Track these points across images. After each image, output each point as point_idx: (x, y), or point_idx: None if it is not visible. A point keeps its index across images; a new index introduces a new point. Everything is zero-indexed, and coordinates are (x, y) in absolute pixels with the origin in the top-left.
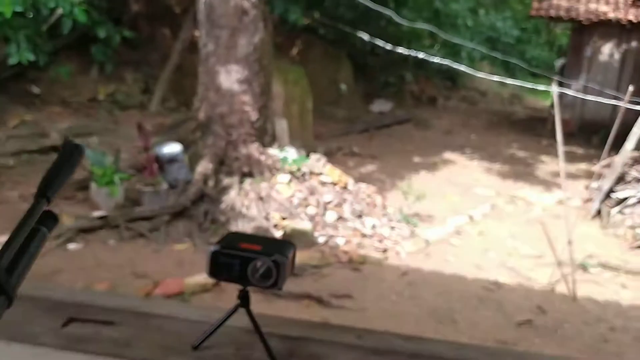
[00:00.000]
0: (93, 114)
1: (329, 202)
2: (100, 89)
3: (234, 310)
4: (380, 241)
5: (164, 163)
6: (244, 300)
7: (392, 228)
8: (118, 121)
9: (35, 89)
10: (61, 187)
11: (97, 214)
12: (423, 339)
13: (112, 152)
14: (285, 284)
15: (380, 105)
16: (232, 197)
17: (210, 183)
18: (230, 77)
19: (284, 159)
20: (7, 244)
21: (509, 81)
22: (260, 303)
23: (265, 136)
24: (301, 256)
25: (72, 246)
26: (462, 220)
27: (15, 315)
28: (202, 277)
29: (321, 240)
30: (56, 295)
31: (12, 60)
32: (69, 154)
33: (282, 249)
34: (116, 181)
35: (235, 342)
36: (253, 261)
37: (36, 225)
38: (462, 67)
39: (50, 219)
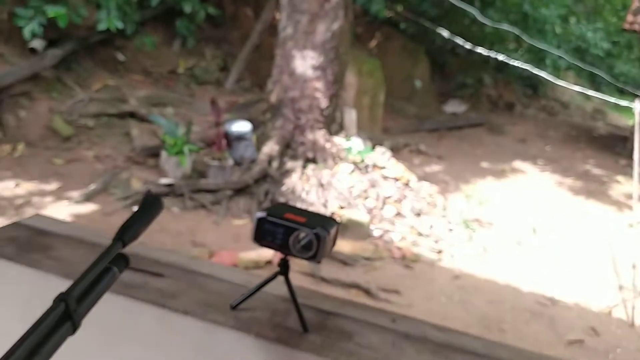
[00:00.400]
0: (171, 86)
1: (388, 197)
2: (181, 62)
3: (273, 277)
4: (436, 242)
5: (232, 140)
6: (283, 268)
7: (450, 230)
8: (194, 95)
9: (121, 56)
10: (138, 235)
11: (164, 181)
12: (456, 331)
13: (185, 123)
14: (324, 258)
15: (454, 106)
16: (294, 180)
17: (274, 164)
18: (305, 63)
19: (349, 149)
20: (82, 277)
21: (593, 94)
22: (309, 285)
23: (332, 124)
24: (354, 247)
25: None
26: (524, 231)
27: (75, 257)
28: (255, 254)
29: (376, 233)
30: None
31: (101, 26)
32: (149, 205)
33: (325, 223)
34: (185, 152)
35: (271, 307)
36: (296, 231)
37: (109, 265)
38: (545, 75)
39: (123, 261)
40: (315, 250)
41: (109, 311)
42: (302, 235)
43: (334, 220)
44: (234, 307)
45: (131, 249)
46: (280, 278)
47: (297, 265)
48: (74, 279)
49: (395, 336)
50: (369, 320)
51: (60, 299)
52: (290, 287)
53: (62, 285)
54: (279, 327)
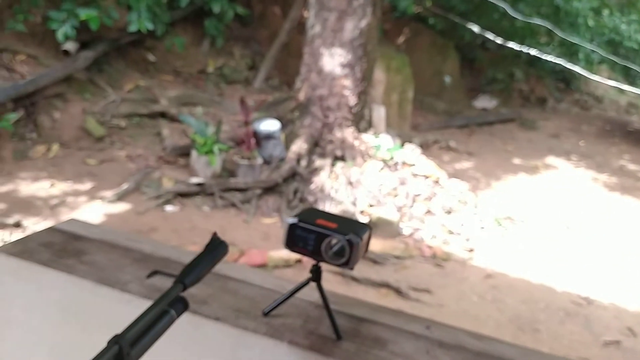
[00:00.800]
0: (200, 85)
1: (418, 195)
2: (210, 62)
3: (305, 283)
4: (467, 240)
5: (261, 139)
6: (315, 274)
7: (482, 228)
8: (223, 94)
9: (151, 57)
10: (200, 278)
11: (194, 180)
12: (493, 339)
13: (215, 123)
14: (356, 264)
15: (484, 102)
16: (323, 178)
17: (303, 163)
18: (334, 61)
19: (378, 146)
20: (138, 319)
21: (628, 88)
22: (338, 285)
23: (361, 121)
24: (384, 245)
25: (169, 208)
26: (557, 228)
27: (108, 262)
28: (285, 252)
29: (406, 232)
30: (146, 249)
31: (132, 28)
32: (213, 248)
33: (357, 229)
34: (215, 151)
35: (303, 314)
36: (328, 238)
37: (167, 307)
38: (578, 69)
39: (181, 304)
40: (348, 257)
41: None
42: (334, 241)
43: (366, 225)
44: (266, 314)
45: (162, 252)
46: (312, 283)
47: (324, 265)
48: (107, 285)
49: (430, 344)
50: (402, 327)
51: (115, 341)
52: (323, 293)
53: (95, 290)
54: (312, 334)
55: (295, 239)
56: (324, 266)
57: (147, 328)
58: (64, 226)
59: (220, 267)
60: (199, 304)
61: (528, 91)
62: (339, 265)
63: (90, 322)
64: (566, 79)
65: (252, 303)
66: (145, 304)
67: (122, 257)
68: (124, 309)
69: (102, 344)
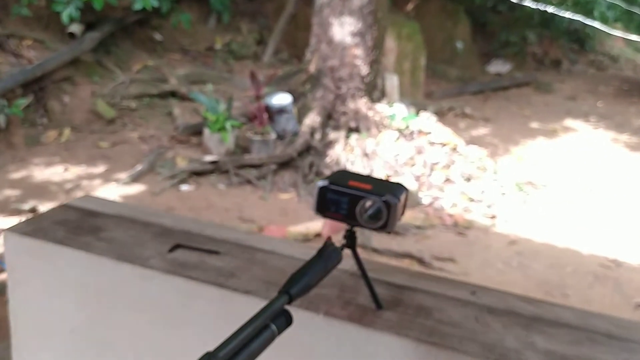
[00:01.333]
0: (209, 63)
1: (436, 163)
2: (217, 39)
3: (339, 250)
4: (488, 207)
5: (273, 113)
6: (350, 240)
7: (503, 194)
8: (232, 70)
9: (158, 36)
10: (309, 289)
11: (208, 158)
12: (546, 302)
13: (225, 99)
14: (394, 227)
15: (498, 66)
16: (338, 151)
17: (317, 136)
18: (343, 30)
19: (392, 116)
20: (235, 335)
21: None
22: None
23: (374, 91)
24: (405, 216)
25: (184, 187)
26: (580, 191)
27: (127, 237)
28: (304, 227)
29: (426, 201)
30: (166, 222)
31: (137, 6)
32: (326, 256)
33: (393, 189)
34: (227, 128)
35: (338, 283)
36: (362, 200)
37: (268, 322)
38: (597, 24)
39: (284, 318)
40: (385, 220)
41: (165, 293)
42: (369, 203)
43: (402, 186)
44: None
45: (183, 226)
46: (347, 251)
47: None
48: (127, 261)
49: (478, 310)
50: (446, 293)
51: (206, 359)
52: (359, 260)
53: (115, 268)
54: (350, 304)
55: (326, 203)
56: (342, 239)
57: (244, 345)
58: (78, 202)
59: (246, 238)
60: (226, 276)
61: (542, 54)
62: (375, 229)
63: (113, 300)
64: (580, 40)
65: (282, 274)
66: (168, 278)
67: (141, 232)
68: (147, 286)
69: (126, 323)
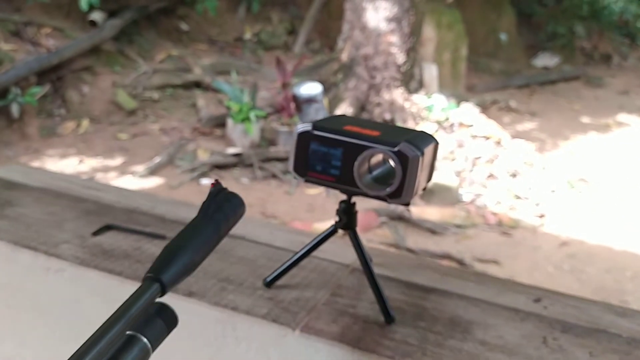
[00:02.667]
0: (237, 53)
1: (479, 157)
2: (246, 28)
3: (329, 233)
4: (537, 205)
5: (301, 103)
6: (346, 216)
7: (552, 192)
8: (261, 61)
9: (184, 26)
10: (193, 267)
11: (231, 151)
12: None
13: (250, 89)
14: (414, 198)
15: (545, 60)
16: None
17: None
18: (378, 15)
19: (431, 107)
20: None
21: None
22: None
23: (411, 81)
24: (443, 214)
25: (205, 181)
26: (637, 190)
27: (41, 215)
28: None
29: (467, 198)
30: (105, 197)
31: None
32: (216, 208)
33: (414, 138)
34: (252, 118)
35: (329, 283)
36: (364, 151)
37: (133, 331)
38: None
39: (160, 320)
40: (400, 182)
41: (74, 293)
42: (374, 157)
43: (428, 135)
44: (268, 284)
45: (128, 202)
46: (341, 233)
47: (376, 234)
48: (27, 247)
49: (547, 326)
50: (495, 300)
51: None
52: (361, 247)
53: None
54: (344, 315)
55: (309, 158)
56: (368, 236)
57: None
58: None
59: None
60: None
61: (591, 48)
62: (383, 198)
63: (1, 296)
64: (631, 34)
65: (247, 269)
66: (81, 273)
67: (66, 209)
68: (50, 282)
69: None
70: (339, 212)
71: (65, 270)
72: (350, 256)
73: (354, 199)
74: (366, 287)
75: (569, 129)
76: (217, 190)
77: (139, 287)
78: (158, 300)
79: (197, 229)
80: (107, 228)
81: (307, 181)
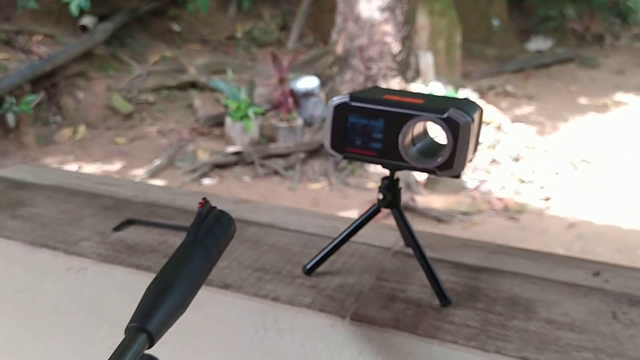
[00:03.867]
0: (231, 52)
1: (480, 143)
2: (238, 27)
3: (372, 213)
4: (541, 188)
5: (299, 98)
6: (391, 193)
7: (556, 174)
8: (255, 59)
9: (176, 27)
10: (182, 308)
11: (231, 149)
12: None
13: (247, 86)
14: (465, 167)
15: (538, 43)
16: None
17: None
18: (371, 5)
19: None
20: None
21: None
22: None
23: (407, 70)
24: (448, 201)
25: (206, 181)
26: None
27: (57, 214)
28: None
29: (471, 184)
30: (121, 192)
31: None
32: (206, 233)
33: (460, 104)
34: (250, 115)
35: (375, 268)
36: (410, 120)
37: None
38: None
39: None
40: (451, 152)
41: (99, 291)
42: (420, 126)
43: (472, 102)
44: (308, 271)
45: (146, 195)
46: (384, 213)
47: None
48: (46, 246)
49: (613, 301)
50: (550, 276)
51: None
52: (409, 227)
53: (26, 256)
54: (395, 300)
55: (347, 132)
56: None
57: None
58: (8, 173)
59: (234, 208)
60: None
61: (583, 29)
62: (432, 171)
63: (20, 301)
64: (622, 14)
65: (285, 258)
66: (105, 271)
67: (81, 206)
68: (73, 281)
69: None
70: (381, 189)
71: (88, 269)
72: (389, 239)
73: (399, 174)
74: (413, 269)
75: (567, 110)
76: (207, 211)
77: (122, 341)
78: (146, 352)
79: (186, 258)
80: (129, 223)
81: (345, 157)
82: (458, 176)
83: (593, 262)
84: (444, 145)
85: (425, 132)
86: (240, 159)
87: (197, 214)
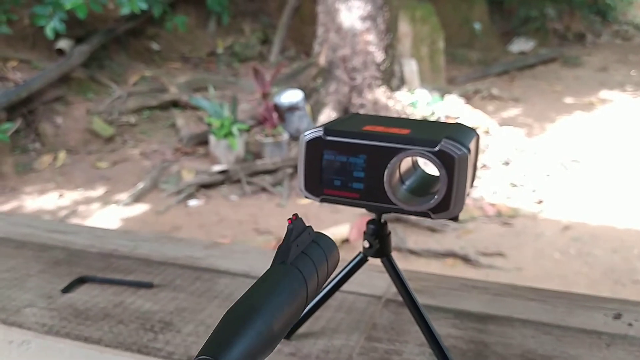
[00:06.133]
0: (212, 68)
1: (478, 177)
2: (219, 42)
3: (356, 264)
4: (533, 191)
5: (284, 112)
6: (378, 239)
7: (548, 176)
8: (237, 74)
9: (155, 46)
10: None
11: (217, 168)
12: None
13: (230, 103)
14: (463, 206)
15: (521, 45)
16: None
17: None
18: (352, 14)
19: (414, 103)
20: None
21: None
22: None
23: (392, 79)
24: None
25: (192, 202)
26: (631, 165)
27: (2, 273)
28: (329, 233)
29: None
30: (76, 242)
31: (124, 11)
32: (293, 267)
33: (453, 133)
34: (234, 132)
35: (363, 323)
36: (397, 155)
37: None
38: None
39: None
40: (446, 190)
41: None
42: (408, 161)
43: (467, 127)
44: (287, 335)
45: (103, 243)
46: (371, 262)
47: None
48: None
49: (638, 351)
50: (565, 323)
51: None
52: (402, 279)
53: None
54: None
55: (322, 171)
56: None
57: None
58: None
59: (204, 255)
60: (157, 330)
61: (564, 29)
62: (425, 214)
63: None
64: (601, 11)
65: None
66: (51, 345)
67: (29, 262)
68: (13, 356)
69: None
70: (367, 236)
71: (31, 342)
72: (380, 285)
73: (387, 216)
74: (408, 323)
75: (554, 110)
76: (301, 229)
77: None
78: None
79: (274, 282)
80: (80, 281)
81: (323, 201)
82: (456, 218)
83: (612, 301)
84: (438, 178)
85: (414, 165)
86: (226, 178)
87: (287, 231)
